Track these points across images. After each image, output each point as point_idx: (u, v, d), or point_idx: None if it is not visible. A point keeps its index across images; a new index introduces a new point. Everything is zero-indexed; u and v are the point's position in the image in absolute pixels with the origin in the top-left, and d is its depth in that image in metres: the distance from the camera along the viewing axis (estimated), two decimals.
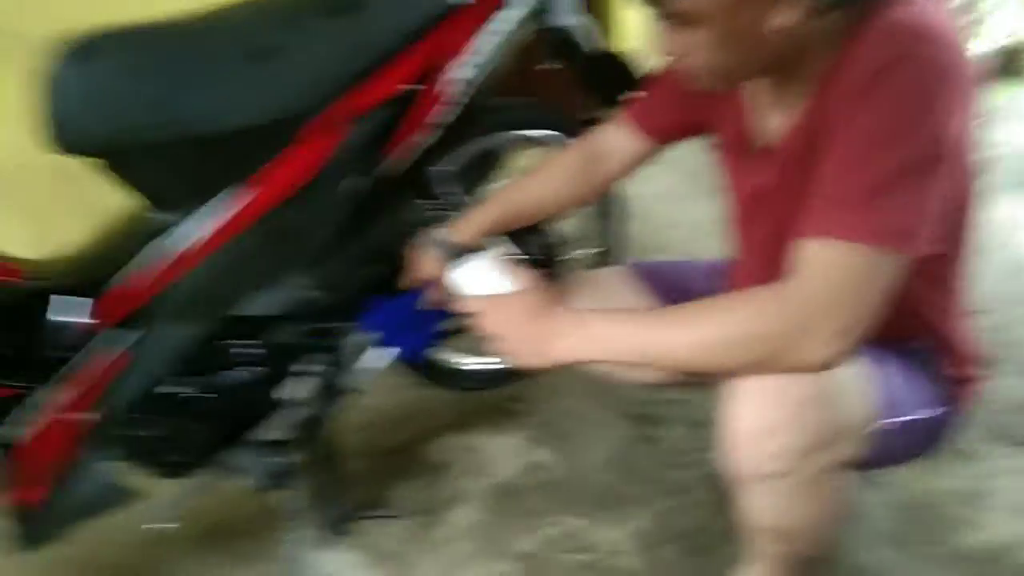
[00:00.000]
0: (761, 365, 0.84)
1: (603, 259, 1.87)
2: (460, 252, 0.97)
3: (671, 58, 0.91)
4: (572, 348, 0.92)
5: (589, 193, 1.32)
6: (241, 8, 1.16)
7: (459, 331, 1.60)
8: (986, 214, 0.94)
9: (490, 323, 0.97)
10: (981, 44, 3.55)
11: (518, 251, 1.00)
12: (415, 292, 1.31)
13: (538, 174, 1.32)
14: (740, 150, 1.07)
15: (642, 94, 1.24)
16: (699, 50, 0.86)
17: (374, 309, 1.31)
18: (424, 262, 1.26)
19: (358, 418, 1.77)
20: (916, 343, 1.05)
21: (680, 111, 1.18)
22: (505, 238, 1.03)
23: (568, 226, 1.71)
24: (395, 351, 1.39)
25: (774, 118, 0.99)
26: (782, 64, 0.90)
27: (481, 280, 0.97)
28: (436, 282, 1.24)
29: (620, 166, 1.27)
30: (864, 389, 0.94)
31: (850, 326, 0.81)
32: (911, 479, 1.50)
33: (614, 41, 2.96)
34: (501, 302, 0.97)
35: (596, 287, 1.31)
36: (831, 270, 0.80)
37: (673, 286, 1.29)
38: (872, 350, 1.01)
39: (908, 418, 1.01)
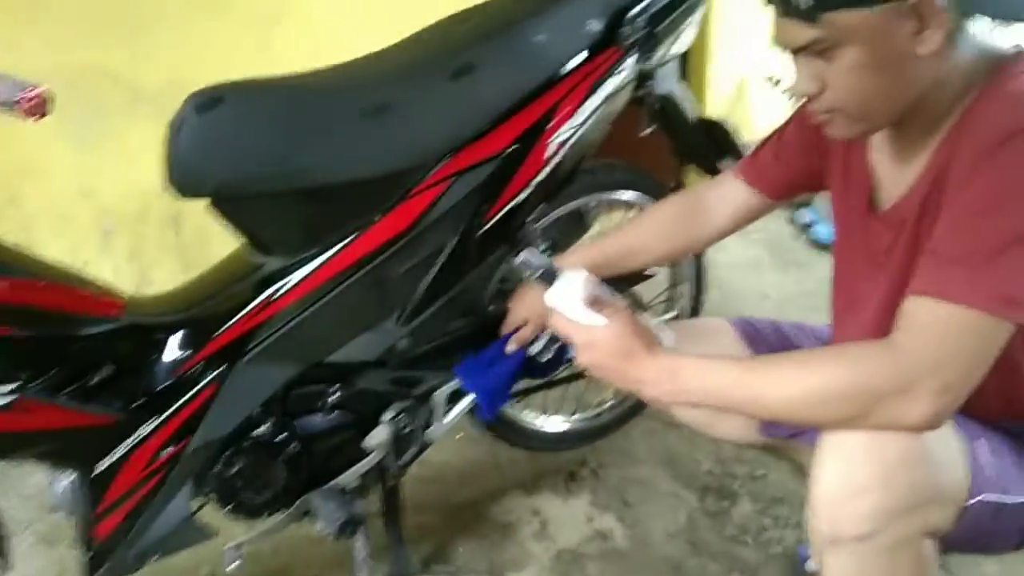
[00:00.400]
0: (858, 420, 0.82)
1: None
2: (550, 270, 0.92)
3: (809, 94, 0.89)
4: (664, 394, 0.91)
5: (687, 245, 1.32)
6: (358, 65, 1.20)
7: (535, 389, 1.60)
8: None
9: (584, 354, 0.94)
10: None
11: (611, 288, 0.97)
12: (502, 341, 1.32)
13: (640, 221, 1.33)
14: (858, 211, 1.06)
15: (758, 148, 1.25)
16: (843, 79, 0.85)
17: (463, 360, 1.32)
18: (520, 294, 1.31)
19: (428, 471, 1.77)
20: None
21: (794, 166, 1.18)
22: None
23: (643, 290, 1.69)
24: (475, 401, 1.38)
25: (896, 179, 0.98)
26: (917, 108, 0.89)
27: (577, 305, 0.92)
28: (530, 316, 1.29)
29: (726, 219, 1.27)
30: (961, 458, 0.91)
31: (952, 387, 0.79)
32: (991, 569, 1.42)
33: (705, 108, 2.98)
34: (596, 335, 0.93)
35: (695, 334, 1.30)
36: (939, 330, 0.79)
37: (775, 345, 1.27)
38: (982, 423, 0.97)
39: (1011, 500, 0.96)
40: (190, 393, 1.15)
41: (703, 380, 0.89)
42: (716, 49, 3.19)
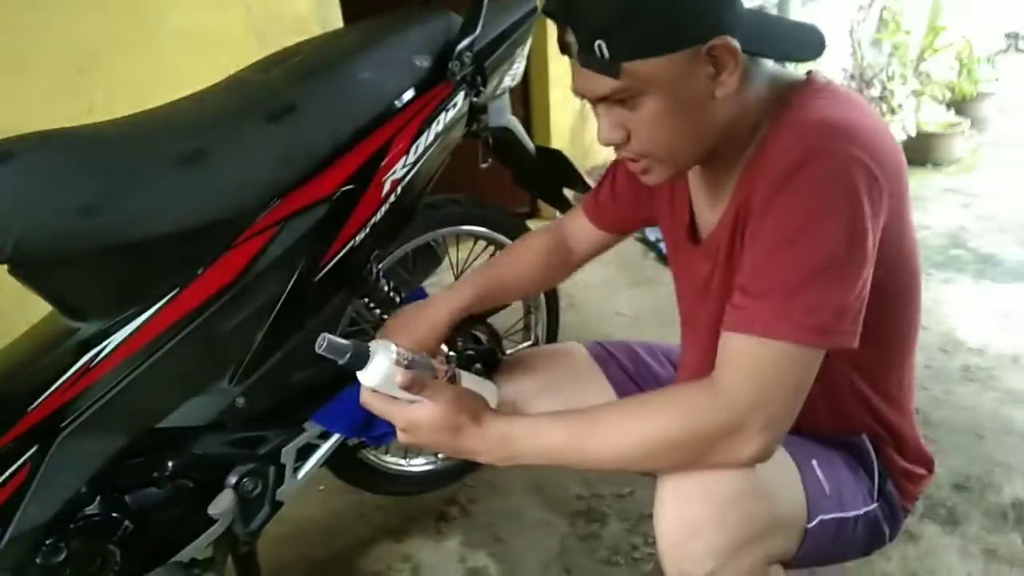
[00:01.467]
0: (692, 463, 0.85)
1: None
2: (357, 352, 0.83)
3: (615, 142, 0.90)
4: (500, 461, 0.90)
5: (559, 276, 1.35)
6: (170, 111, 1.12)
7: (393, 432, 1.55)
8: None
9: (407, 436, 0.90)
10: (893, 132, 3.77)
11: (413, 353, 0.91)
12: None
13: (509, 257, 1.33)
14: (684, 242, 1.10)
15: (597, 188, 1.27)
16: (646, 127, 0.86)
17: (325, 407, 1.27)
18: (393, 328, 1.24)
19: (289, 529, 1.68)
20: (862, 437, 1.06)
21: (629, 206, 1.22)
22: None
23: (498, 320, 1.68)
24: (333, 446, 1.33)
25: (709, 212, 1.02)
26: (719, 147, 0.92)
27: (393, 385, 0.86)
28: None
29: (583, 252, 1.31)
30: (796, 483, 0.95)
31: (776, 420, 0.83)
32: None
33: (543, 141, 3.06)
34: (418, 415, 0.87)
35: (550, 360, 1.31)
36: (756, 366, 0.82)
37: (627, 367, 1.30)
38: (811, 444, 1.02)
39: (849, 514, 1.01)
40: (1, 478, 1.03)
41: (535, 443, 0.88)
42: (556, 80, 3.29)
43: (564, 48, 0.86)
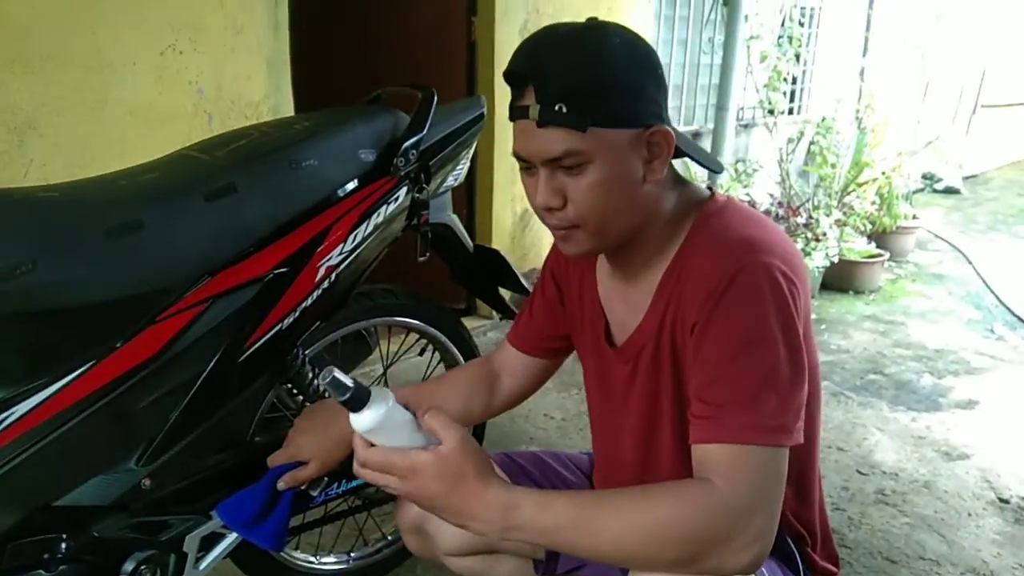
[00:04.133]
0: (686, 563, 0.83)
1: None
2: (357, 393, 0.79)
3: (551, 206, 0.92)
4: (494, 532, 0.85)
5: (486, 410, 1.32)
6: (107, 181, 1.12)
7: (309, 526, 1.50)
8: (828, 416, 0.99)
9: (404, 484, 0.85)
10: (817, 258, 3.95)
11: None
12: (271, 475, 1.22)
13: (439, 384, 1.32)
14: (596, 347, 1.12)
15: (518, 316, 1.30)
16: (585, 194, 0.90)
17: (225, 501, 1.21)
18: (302, 428, 1.22)
19: None
20: (785, 538, 1.06)
21: (545, 323, 1.24)
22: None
23: None
24: (236, 542, 1.27)
25: (625, 314, 1.05)
26: (636, 238, 0.97)
27: (388, 425, 0.82)
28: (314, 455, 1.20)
29: (514, 385, 1.30)
30: None
31: (765, 529, 0.84)
32: None
33: (484, 241, 3.12)
34: (420, 460, 0.84)
35: None
36: (738, 472, 0.84)
37: (536, 476, 1.28)
38: None
39: None
40: None
41: (539, 519, 0.84)
42: (499, 184, 3.38)
43: (518, 112, 0.90)
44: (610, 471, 1.20)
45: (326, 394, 0.79)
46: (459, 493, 0.84)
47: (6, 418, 1.00)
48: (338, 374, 0.78)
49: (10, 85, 1.91)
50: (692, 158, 1.04)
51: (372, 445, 0.86)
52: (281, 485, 1.22)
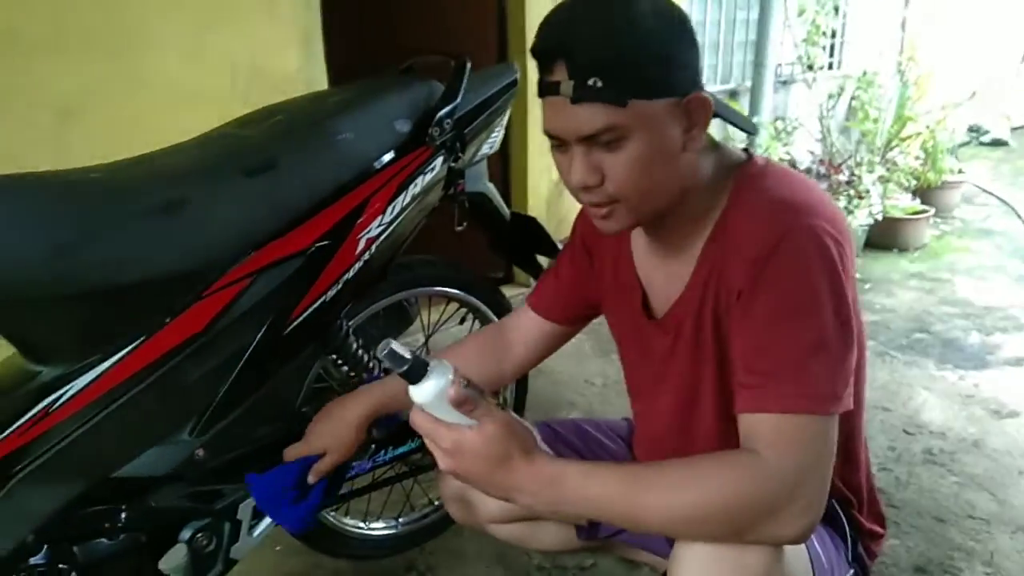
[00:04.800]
0: (734, 535, 0.83)
1: None
2: (416, 365, 0.80)
3: (589, 185, 0.89)
4: (541, 503, 0.86)
5: (496, 377, 1.30)
6: (148, 160, 1.14)
7: (356, 494, 1.53)
8: (873, 376, 0.98)
9: (450, 460, 0.86)
10: (860, 216, 3.88)
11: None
12: (296, 466, 1.24)
13: (453, 350, 1.31)
14: (633, 319, 1.10)
15: (541, 280, 1.29)
16: (625, 169, 0.87)
17: (259, 477, 1.23)
18: (322, 419, 1.23)
19: None
20: (831, 502, 1.05)
21: (572, 289, 1.22)
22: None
23: None
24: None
25: (665, 285, 1.03)
26: (677, 208, 0.94)
27: (445, 405, 0.82)
28: (331, 446, 1.22)
29: (526, 351, 1.28)
30: (805, 561, 0.95)
31: (813, 501, 0.83)
32: None
33: (520, 209, 3.10)
34: (466, 438, 0.84)
35: None
36: (786, 443, 0.83)
37: (577, 444, 1.28)
38: None
39: None
40: None
41: (585, 491, 0.85)
42: (534, 151, 3.36)
43: (549, 88, 0.86)
44: (649, 444, 1.20)
45: (382, 366, 0.79)
46: (504, 471, 0.85)
47: (64, 394, 1.04)
48: (396, 346, 0.79)
49: (49, 69, 1.93)
50: (728, 120, 1.02)
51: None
52: (311, 479, 1.25)
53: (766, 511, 0.81)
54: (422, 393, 0.82)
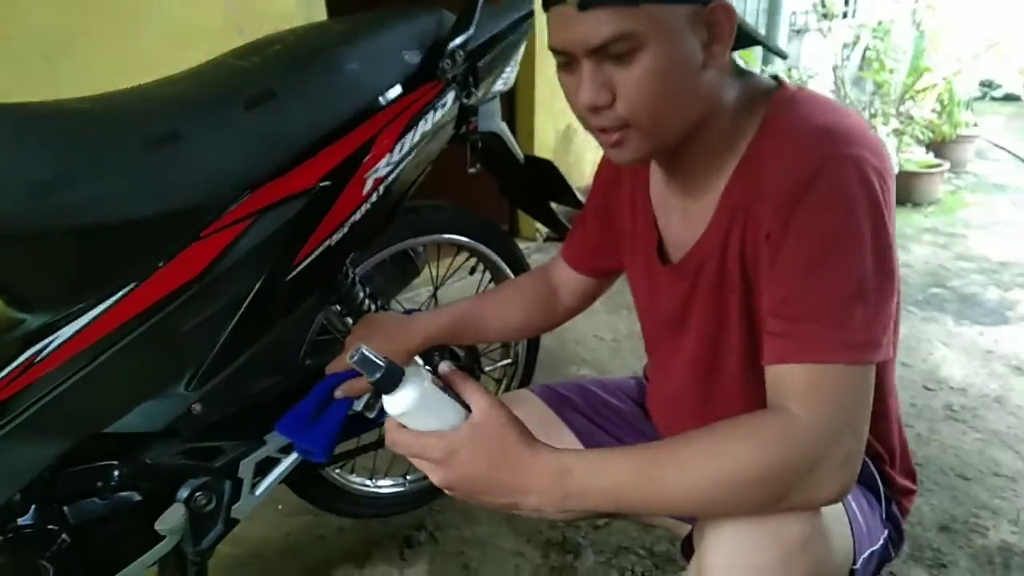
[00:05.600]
0: (768, 505, 0.76)
1: (513, 372, 1.78)
2: (390, 372, 0.72)
3: (599, 104, 0.79)
4: (551, 502, 0.76)
5: (546, 323, 1.26)
6: (141, 92, 1.04)
7: (362, 450, 1.46)
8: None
9: (443, 470, 0.76)
10: None
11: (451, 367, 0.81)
12: (323, 386, 1.17)
13: (498, 295, 1.25)
14: (649, 266, 1.02)
15: (571, 232, 1.22)
16: (637, 85, 0.77)
17: (283, 417, 1.16)
18: (360, 333, 1.17)
19: (243, 549, 1.58)
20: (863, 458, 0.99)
21: (597, 241, 1.15)
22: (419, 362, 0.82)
23: None
24: (298, 459, 1.23)
25: (682, 229, 0.95)
26: (697, 137, 0.85)
27: (424, 408, 0.74)
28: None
29: (570, 301, 1.24)
30: (844, 523, 0.89)
31: (851, 454, 0.76)
32: None
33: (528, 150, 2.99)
34: (457, 440, 0.75)
35: None
36: (821, 394, 0.75)
37: (582, 407, 1.21)
38: None
39: (877, 547, 0.96)
40: None
41: (597, 481, 0.75)
42: (541, 97, 3.24)
43: None
44: (665, 404, 1.12)
45: (360, 369, 0.72)
46: (504, 465, 0.75)
47: (49, 344, 0.97)
48: (368, 352, 0.71)
49: (38, 8, 1.83)
50: (754, 41, 0.91)
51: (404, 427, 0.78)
52: (338, 394, 1.17)
53: (800, 475, 0.74)
54: (399, 403, 0.73)
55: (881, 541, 0.96)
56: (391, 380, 0.72)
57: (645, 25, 0.74)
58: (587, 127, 0.85)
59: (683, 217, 0.94)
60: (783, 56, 1.03)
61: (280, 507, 1.71)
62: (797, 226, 0.77)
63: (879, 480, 1.00)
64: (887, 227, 0.78)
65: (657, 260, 0.99)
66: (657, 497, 0.75)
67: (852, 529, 0.90)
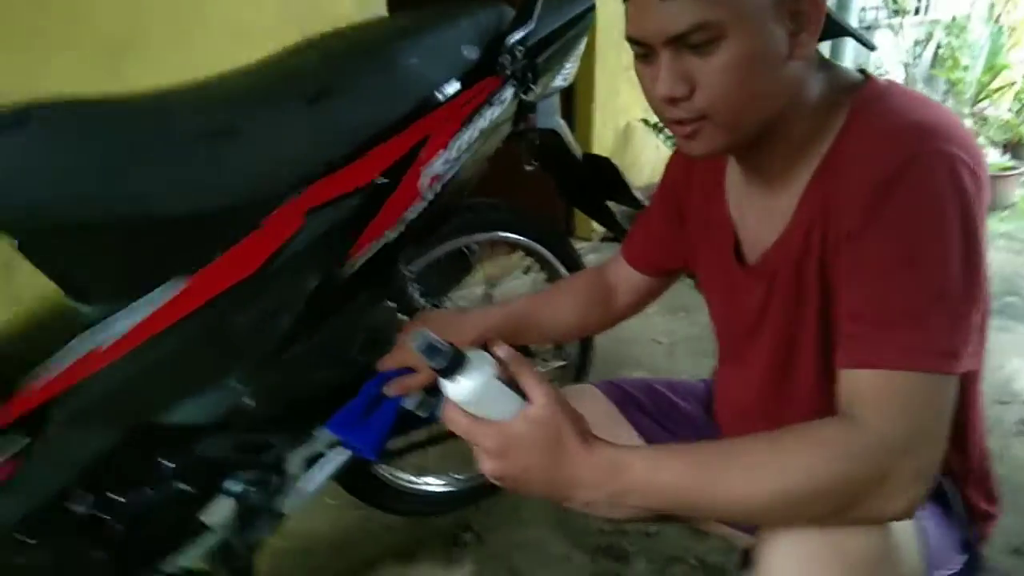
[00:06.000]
0: (831, 517, 0.72)
1: (566, 374, 1.75)
2: (456, 359, 0.71)
3: (676, 95, 0.76)
4: (604, 497, 0.74)
5: (601, 323, 1.22)
6: (201, 86, 1.04)
7: (411, 448, 1.45)
8: None
9: (496, 461, 0.74)
10: None
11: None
12: (373, 384, 1.15)
13: (553, 294, 1.23)
14: (723, 267, 0.98)
15: (633, 229, 1.18)
16: (718, 77, 0.74)
17: (333, 416, 1.14)
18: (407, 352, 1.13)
19: (294, 542, 1.58)
20: (943, 477, 0.93)
21: (663, 238, 1.12)
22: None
23: None
24: (347, 461, 1.23)
25: (760, 228, 0.91)
26: (778, 132, 0.81)
27: (485, 397, 0.72)
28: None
29: (628, 299, 1.20)
30: (914, 540, 0.83)
31: (924, 468, 0.71)
32: None
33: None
34: (513, 432, 0.73)
35: None
36: (897, 402, 0.71)
37: (648, 407, 1.17)
38: None
39: (949, 571, 0.91)
40: None
41: (654, 479, 0.72)
42: (600, 94, 3.19)
43: None
44: (734, 411, 1.08)
45: (424, 355, 0.70)
46: (558, 457, 0.73)
47: (107, 335, 0.97)
48: (432, 336, 0.69)
49: (105, 7, 1.87)
50: (849, 34, 0.87)
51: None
52: (388, 391, 1.15)
53: (868, 487, 0.70)
54: (461, 390, 0.71)
55: (955, 568, 0.91)
56: (454, 366, 0.70)
57: (727, 14, 0.71)
58: (662, 119, 0.82)
59: (761, 215, 0.90)
60: (872, 47, 0.98)
61: (333, 502, 1.71)
62: (881, 225, 0.73)
63: (957, 501, 0.95)
64: (977, 231, 0.73)
65: (734, 261, 0.96)
66: (716, 500, 0.72)
67: (923, 550, 0.85)
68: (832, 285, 0.82)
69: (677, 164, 1.08)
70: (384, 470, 1.52)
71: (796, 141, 0.82)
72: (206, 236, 1.00)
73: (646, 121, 3.29)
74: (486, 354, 0.74)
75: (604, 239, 3.24)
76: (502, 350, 0.77)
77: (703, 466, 0.73)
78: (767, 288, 0.90)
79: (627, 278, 1.18)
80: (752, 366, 0.97)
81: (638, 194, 1.53)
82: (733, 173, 0.96)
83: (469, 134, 1.18)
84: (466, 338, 1.12)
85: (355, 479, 1.45)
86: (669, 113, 0.80)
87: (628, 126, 3.34)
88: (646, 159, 3.49)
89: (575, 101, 3.23)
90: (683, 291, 2.76)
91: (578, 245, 3.23)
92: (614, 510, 0.75)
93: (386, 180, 1.09)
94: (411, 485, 1.58)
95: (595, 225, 3.23)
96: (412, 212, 1.14)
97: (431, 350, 0.69)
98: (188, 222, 0.97)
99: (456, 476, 1.65)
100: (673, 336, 2.56)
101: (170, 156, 0.96)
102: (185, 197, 0.96)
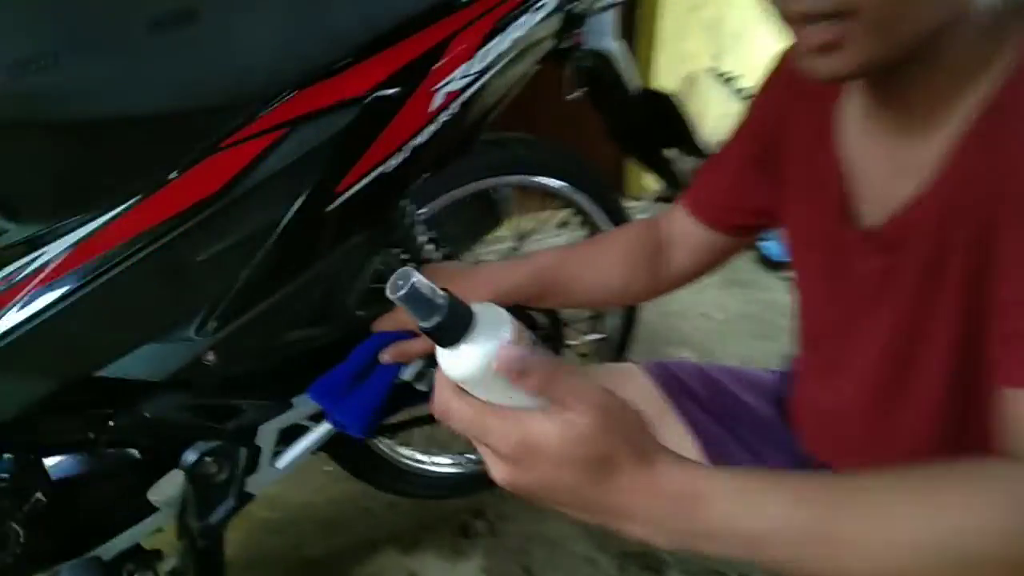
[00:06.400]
0: None
1: (604, 349, 1.54)
2: (454, 314, 0.48)
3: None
4: (667, 535, 0.52)
5: (650, 287, 1.00)
6: None
7: (416, 423, 1.25)
8: None
9: (519, 471, 0.51)
10: None
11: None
12: (367, 346, 0.97)
13: (593, 247, 1.02)
14: (832, 231, 0.76)
15: (699, 173, 0.96)
16: None
17: (316, 381, 0.97)
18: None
19: (280, 515, 1.41)
20: None
21: (741, 181, 0.90)
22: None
23: None
24: (331, 432, 1.05)
25: (886, 184, 0.70)
26: (927, 61, 0.61)
27: (497, 376, 0.48)
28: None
29: (686, 260, 0.98)
30: None
31: None
32: None
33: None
34: (545, 435, 0.49)
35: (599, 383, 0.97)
36: None
37: (702, 396, 0.97)
38: None
39: None
40: None
41: (744, 519, 0.51)
42: (664, 36, 2.92)
43: None
44: (823, 414, 0.86)
45: (408, 307, 0.45)
46: (602, 480, 0.51)
47: (38, 257, 0.80)
48: (420, 280, 0.46)
49: None
50: None
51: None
52: (383, 357, 0.97)
53: None
54: (463, 363, 0.48)
55: None
56: (453, 326, 0.47)
57: None
58: (791, 23, 0.61)
59: (891, 166, 0.70)
60: None
61: (328, 469, 1.53)
62: None
63: None
64: None
65: (841, 219, 0.74)
66: (833, 562, 0.51)
67: None
68: (987, 270, 0.62)
69: (771, 95, 0.86)
70: (384, 444, 1.33)
71: (955, 71, 0.62)
72: (157, 150, 0.81)
73: (715, 71, 3.02)
74: (502, 311, 0.51)
75: (659, 199, 2.96)
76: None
77: (820, 507, 0.51)
78: (890, 261, 0.70)
79: (687, 234, 0.96)
80: (856, 361, 0.77)
81: (705, 144, 1.29)
82: (852, 110, 0.74)
83: (499, 44, 0.95)
84: (479, 296, 0.90)
85: (346, 450, 1.25)
86: (809, 24, 0.58)
87: (693, 75, 3.07)
88: (711, 115, 3.21)
89: (635, 41, 2.96)
90: (741, 264, 2.53)
91: (628, 204, 2.99)
92: (674, 545, 0.53)
93: (389, 92, 0.87)
94: (415, 463, 1.39)
95: (650, 181, 2.98)
96: (421, 136, 0.92)
97: (417, 300, 0.46)
98: (135, 130, 0.78)
99: (469, 456, 1.46)
100: (727, 312, 2.32)
101: (106, 44, 0.76)
102: (126, 97, 0.77)
